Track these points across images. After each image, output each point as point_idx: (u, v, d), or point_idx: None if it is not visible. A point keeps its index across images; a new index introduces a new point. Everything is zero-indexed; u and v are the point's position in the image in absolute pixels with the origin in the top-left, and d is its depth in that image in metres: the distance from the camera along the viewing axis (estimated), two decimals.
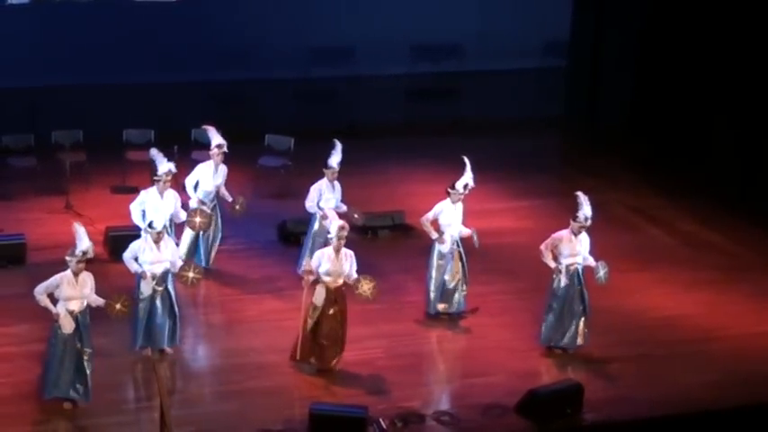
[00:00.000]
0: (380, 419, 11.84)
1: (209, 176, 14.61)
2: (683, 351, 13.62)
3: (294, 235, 15.78)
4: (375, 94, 21.67)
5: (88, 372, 11.76)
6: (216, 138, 14.69)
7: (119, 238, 14.55)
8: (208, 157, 14.85)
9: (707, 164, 18.98)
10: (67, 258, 11.66)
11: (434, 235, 13.87)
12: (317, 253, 12.78)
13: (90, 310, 11.83)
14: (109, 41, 20.31)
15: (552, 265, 13.16)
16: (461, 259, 13.97)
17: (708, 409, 12.49)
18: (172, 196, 13.93)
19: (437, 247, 13.92)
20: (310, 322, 12.63)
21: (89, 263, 11.82)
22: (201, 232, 14.56)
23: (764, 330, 14.21)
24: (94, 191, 17.06)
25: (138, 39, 20.50)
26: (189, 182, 14.59)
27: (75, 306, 11.66)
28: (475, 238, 13.87)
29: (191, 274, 12.79)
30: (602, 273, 13.24)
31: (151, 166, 14.56)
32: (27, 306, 12.52)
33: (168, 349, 12.93)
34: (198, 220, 14.21)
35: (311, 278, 12.62)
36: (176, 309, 12.84)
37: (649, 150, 20.00)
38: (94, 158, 17.18)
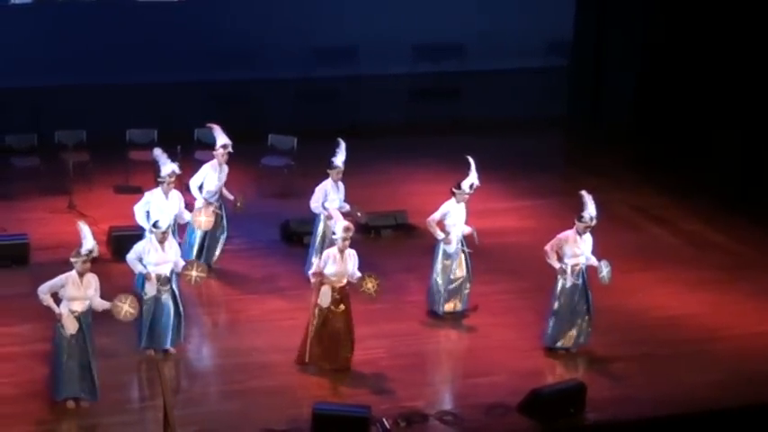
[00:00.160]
0: (383, 419, 11.83)
1: (213, 176, 14.60)
2: (686, 350, 13.61)
3: (297, 234, 15.78)
4: (377, 94, 21.68)
5: (94, 371, 11.76)
6: (221, 137, 14.67)
7: (122, 238, 14.57)
8: (211, 157, 14.84)
9: (710, 163, 18.98)
10: (73, 260, 11.64)
11: (441, 235, 13.84)
12: (324, 254, 12.76)
13: (93, 310, 11.84)
14: (111, 42, 20.32)
15: (557, 266, 13.15)
16: (466, 259, 13.97)
17: (712, 409, 12.47)
18: (176, 197, 13.93)
19: (443, 247, 13.90)
20: (317, 324, 12.63)
21: (92, 263, 11.81)
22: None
23: None
24: (97, 191, 17.07)
25: (142, 39, 20.51)
26: (194, 182, 14.56)
27: (79, 307, 11.65)
28: (475, 235, 13.87)
29: (194, 273, 12.79)
30: (605, 272, 13.23)
31: (154, 167, 14.57)
32: (30, 306, 12.52)
33: (172, 349, 12.93)
34: (203, 219, 14.21)
35: (320, 280, 12.62)
36: (181, 308, 12.84)
37: (652, 150, 19.99)
38: (97, 158, 17.19)
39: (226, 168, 14.73)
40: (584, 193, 13.26)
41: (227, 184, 14.79)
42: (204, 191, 14.57)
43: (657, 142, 20.09)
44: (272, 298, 14.41)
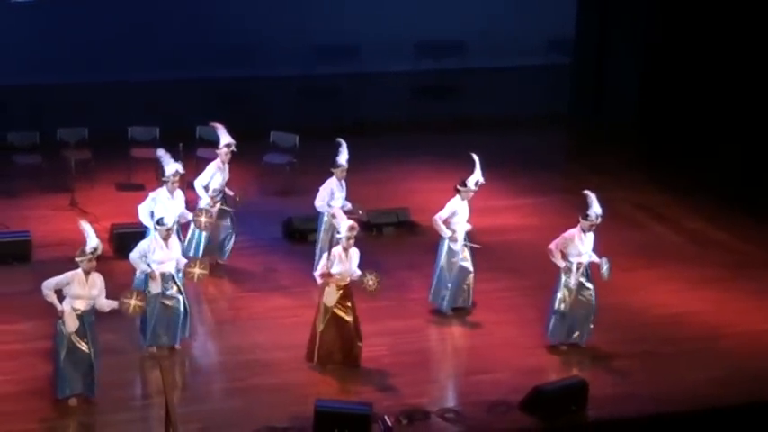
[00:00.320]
0: (386, 416, 11.83)
1: (218, 176, 14.60)
2: (689, 348, 13.60)
3: (300, 232, 15.78)
4: (379, 92, 21.68)
5: (95, 369, 11.75)
6: (225, 137, 14.67)
7: (124, 236, 14.57)
8: (213, 155, 14.85)
9: (713, 161, 18.95)
10: (78, 259, 11.62)
11: (447, 233, 13.82)
12: (330, 254, 12.74)
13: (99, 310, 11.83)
14: (113, 39, 20.33)
15: (562, 264, 13.15)
16: (469, 256, 13.96)
17: (714, 406, 12.47)
18: (181, 196, 13.94)
19: (448, 244, 13.88)
20: (324, 324, 12.63)
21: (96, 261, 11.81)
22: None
23: None
24: (99, 188, 17.07)
25: (143, 36, 20.52)
26: (200, 182, 14.55)
27: (82, 305, 11.65)
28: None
29: (197, 271, 12.80)
30: (605, 268, 13.25)
31: (157, 165, 14.56)
32: (32, 303, 12.54)
33: (177, 346, 12.94)
34: (204, 219, 14.20)
35: (327, 281, 12.62)
36: (187, 305, 12.85)
37: (655, 148, 19.98)
38: (99, 156, 17.19)
39: (227, 167, 14.73)
40: (588, 192, 13.27)
41: (227, 182, 14.80)
42: (210, 190, 14.57)
43: (660, 140, 20.07)
44: (274, 295, 14.41)
